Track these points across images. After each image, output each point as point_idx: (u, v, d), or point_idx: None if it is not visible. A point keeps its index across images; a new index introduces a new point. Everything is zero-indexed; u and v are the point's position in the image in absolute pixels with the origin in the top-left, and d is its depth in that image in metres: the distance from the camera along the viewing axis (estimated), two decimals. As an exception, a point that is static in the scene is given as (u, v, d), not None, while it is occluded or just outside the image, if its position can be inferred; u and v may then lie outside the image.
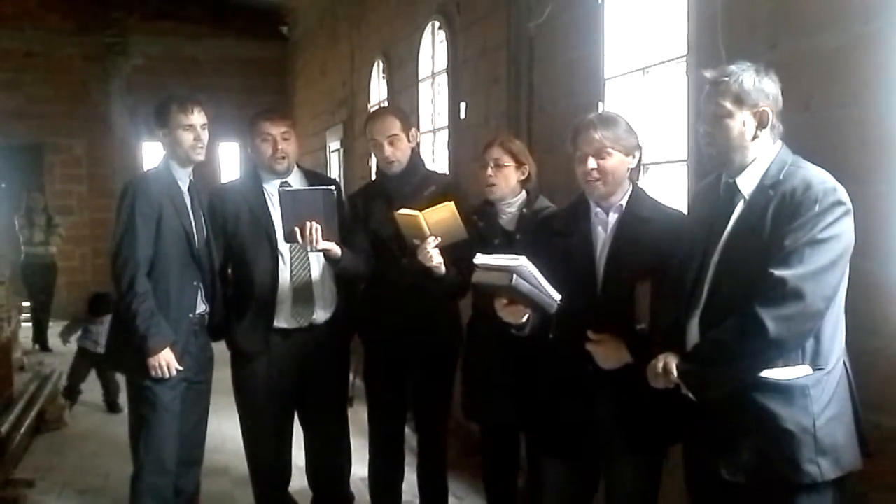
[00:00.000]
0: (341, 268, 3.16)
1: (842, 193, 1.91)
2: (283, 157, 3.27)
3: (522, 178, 2.97)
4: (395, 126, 3.18)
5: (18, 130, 10.38)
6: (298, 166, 3.44)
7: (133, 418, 3.14)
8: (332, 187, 3.00)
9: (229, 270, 3.40)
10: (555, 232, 2.52)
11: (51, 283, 8.80)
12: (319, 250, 3.00)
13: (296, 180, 3.36)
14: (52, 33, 10.50)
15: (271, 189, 3.30)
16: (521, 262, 2.29)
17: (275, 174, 3.30)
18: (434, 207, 2.84)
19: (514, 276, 2.27)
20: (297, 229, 2.93)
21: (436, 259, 2.87)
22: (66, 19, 10.55)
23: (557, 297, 2.34)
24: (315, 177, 3.54)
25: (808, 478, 1.91)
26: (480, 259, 2.39)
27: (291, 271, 3.26)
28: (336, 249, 3.03)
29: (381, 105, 7.03)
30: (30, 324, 8.58)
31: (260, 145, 3.26)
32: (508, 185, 2.94)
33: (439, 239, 2.85)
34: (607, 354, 2.32)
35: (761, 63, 2.05)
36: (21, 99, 10.46)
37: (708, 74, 2.06)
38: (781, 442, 1.92)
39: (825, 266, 1.87)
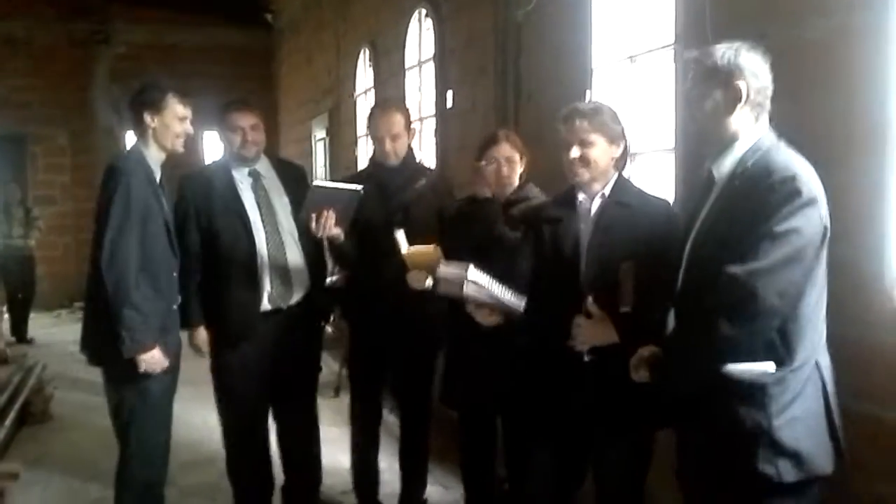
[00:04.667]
0: (338, 249, 3.25)
1: (803, 183, 1.80)
2: (253, 146, 3.33)
3: (522, 168, 3.02)
4: (399, 124, 3.29)
5: (0, 120, 10.27)
6: (265, 155, 3.47)
7: (119, 412, 3.09)
8: (361, 188, 3.08)
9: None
10: (544, 220, 2.55)
11: (29, 275, 8.67)
12: (328, 237, 3.12)
13: (263, 167, 3.42)
14: (34, 21, 10.38)
15: (240, 176, 3.36)
16: (467, 273, 2.46)
17: (243, 161, 3.35)
18: (419, 250, 2.93)
19: (465, 284, 2.43)
20: (312, 215, 3.05)
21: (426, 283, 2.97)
22: (50, 7, 10.42)
23: (521, 302, 2.45)
24: (282, 164, 3.61)
25: (764, 478, 1.85)
26: (441, 272, 2.56)
27: (269, 253, 3.29)
28: (340, 235, 3.15)
29: (367, 94, 7.01)
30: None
31: (229, 135, 3.32)
32: (518, 179, 3.01)
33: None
34: (595, 332, 2.32)
35: (750, 42, 2.00)
36: (3, 88, 10.34)
37: (689, 54, 2.04)
38: (739, 440, 1.88)
39: (780, 261, 1.77)
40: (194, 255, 3.26)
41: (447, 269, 2.56)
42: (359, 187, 3.07)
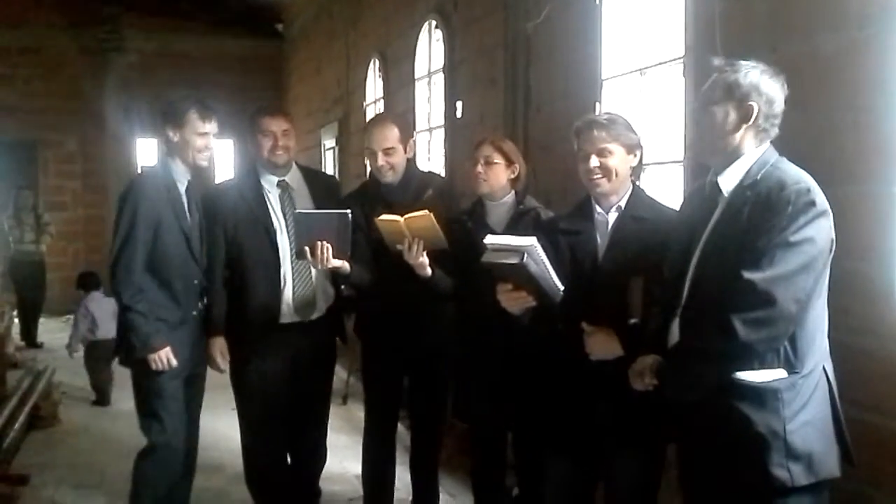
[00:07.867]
0: (350, 283, 3.21)
1: (816, 194, 1.87)
2: (283, 152, 3.30)
3: (512, 176, 2.98)
4: (392, 138, 3.17)
5: (12, 126, 10.34)
6: (297, 164, 3.46)
7: (142, 409, 3.19)
8: (348, 211, 2.98)
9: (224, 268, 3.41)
10: (560, 231, 2.55)
11: (40, 280, 8.72)
12: (331, 269, 3.01)
13: (294, 178, 3.40)
14: (46, 29, 10.47)
15: (268, 186, 3.34)
16: (533, 242, 2.32)
17: (274, 169, 3.33)
18: (414, 214, 2.86)
19: (525, 254, 2.28)
20: (307, 249, 2.94)
21: (421, 258, 2.90)
22: (61, 15, 10.52)
23: (561, 286, 2.38)
24: (313, 174, 3.59)
25: (777, 482, 1.88)
26: (491, 239, 2.41)
27: (293, 268, 3.29)
28: (345, 266, 3.03)
29: (377, 104, 7.05)
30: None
31: (260, 140, 3.29)
32: (498, 182, 2.97)
33: (422, 242, 2.88)
34: (598, 345, 2.36)
35: (772, 66, 2.04)
36: (15, 95, 10.42)
37: (715, 62, 2.07)
38: (751, 445, 1.90)
39: (796, 269, 1.84)
40: (220, 265, 3.30)
41: (501, 238, 2.45)
42: (346, 210, 2.98)
